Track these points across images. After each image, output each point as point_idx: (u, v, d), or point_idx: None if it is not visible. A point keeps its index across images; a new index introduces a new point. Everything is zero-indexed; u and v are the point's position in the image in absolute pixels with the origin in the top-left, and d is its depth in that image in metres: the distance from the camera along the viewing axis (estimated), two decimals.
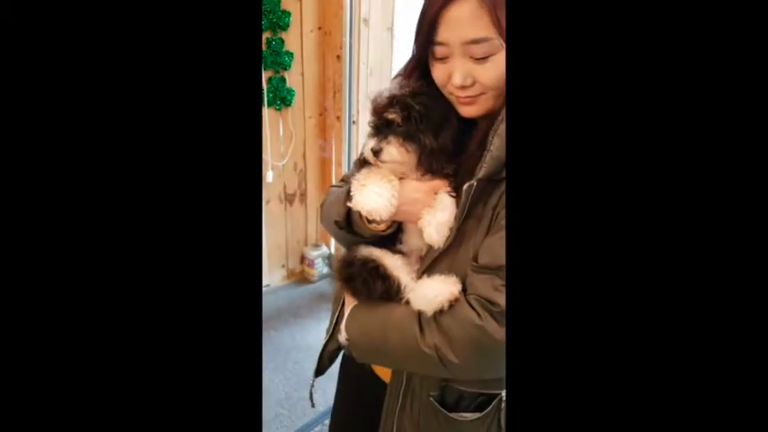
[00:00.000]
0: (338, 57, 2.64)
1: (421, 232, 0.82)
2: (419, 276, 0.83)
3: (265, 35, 2.49)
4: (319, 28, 2.67)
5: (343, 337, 0.90)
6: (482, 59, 0.72)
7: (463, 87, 0.75)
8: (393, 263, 0.84)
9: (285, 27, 2.51)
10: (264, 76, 2.54)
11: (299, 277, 3.16)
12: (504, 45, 0.71)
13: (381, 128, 0.81)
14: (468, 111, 0.79)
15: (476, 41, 0.70)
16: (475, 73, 0.73)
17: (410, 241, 0.87)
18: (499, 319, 0.70)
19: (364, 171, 0.84)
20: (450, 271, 0.79)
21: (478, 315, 0.72)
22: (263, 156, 2.68)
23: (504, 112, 0.72)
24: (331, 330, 1.00)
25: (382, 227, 0.84)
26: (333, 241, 3.10)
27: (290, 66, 2.60)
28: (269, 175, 2.75)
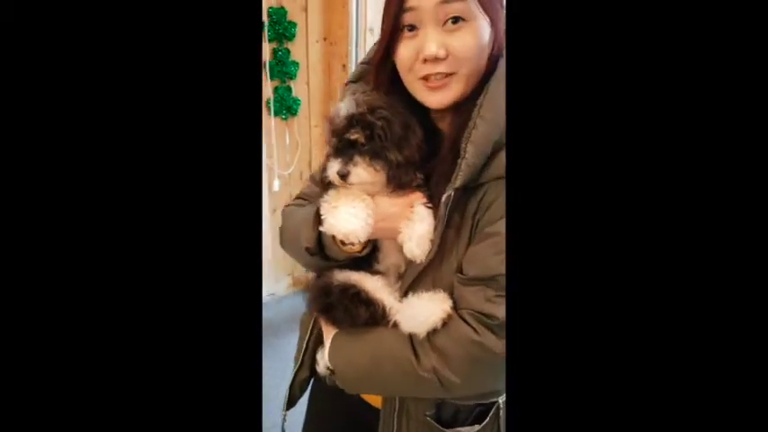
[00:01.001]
0: (344, 66, 2.67)
1: (398, 248, 0.78)
2: (402, 295, 0.79)
3: (271, 45, 2.51)
4: (324, 38, 2.69)
5: (322, 367, 0.87)
6: (454, 29, 0.69)
7: (436, 61, 0.70)
8: (374, 285, 0.80)
9: (291, 38, 2.54)
10: (270, 85, 2.56)
11: (305, 286, 3.15)
12: (480, 9, 0.69)
13: (344, 149, 0.76)
14: (437, 99, 0.74)
15: (448, 0, 0.67)
16: (448, 42, 0.69)
17: (387, 259, 0.83)
18: (497, 331, 0.68)
19: (333, 192, 0.79)
20: (435, 286, 0.76)
21: (475, 331, 0.69)
22: (270, 165, 2.70)
23: (476, 116, 0.69)
24: (301, 359, 0.96)
25: (358, 248, 0.79)
26: None
27: (295, 75, 2.62)
28: (275, 184, 2.76)
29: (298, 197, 0.96)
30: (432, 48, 0.69)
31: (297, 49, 2.61)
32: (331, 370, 0.84)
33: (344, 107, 0.77)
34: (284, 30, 2.50)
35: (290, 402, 0.99)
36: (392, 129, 0.74)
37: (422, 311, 0.73)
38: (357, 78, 0.88)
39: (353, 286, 0.79)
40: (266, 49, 2.51)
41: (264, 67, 2.51)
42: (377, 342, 0.77)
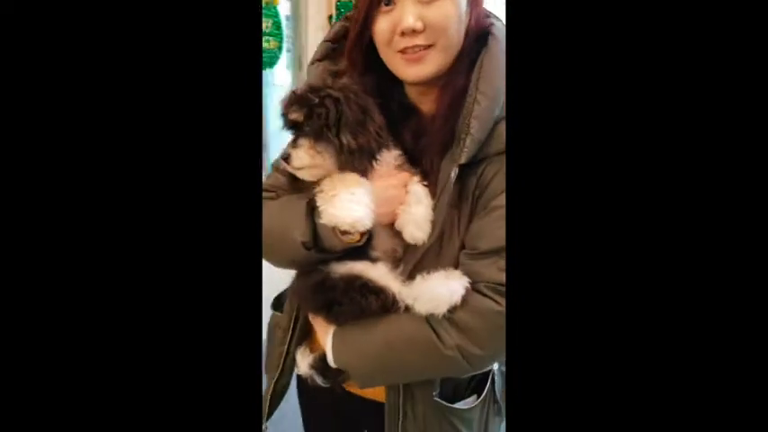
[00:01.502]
0: None
1: (392, 232, 0.77)
2: (407, 278, 0.76)
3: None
4: None
5: (305, 368, 0.85)
6: (431, 1, 0.68)
7: (413, 33, 0.69)
8: (378, 273, 0.76)
9: None
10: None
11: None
12: None
13: (290, 131, 0.74)
14: (414, 71, 0.73)
15: None
16: (425, 14, 0.69)
17: (382, 244, 0.79)
18: None
19: (327, 181, 0.74)
20: (437, 265, 0.73)
21: (496, 302, 0.68)
22: None
23: (474, 91, 0.69)
24: (281, 364, 0.91)
25: (357, 236, 0.74)
26: None
27: None
28: None
29: (265, 189, 0.88)
30: (409, 20, 0.69)
31: None
32: (314, 368, 0.83)
33: (295, 89, 0.75)
34: None
35: (270, 412, 0.95)
36: (341, 110, 0.71)
37: (441, 291, 0.70)
38: (322, 57, 0.85)
39: (359, 277, 0.75)
40: None
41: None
42: (390, 329, 0.74)
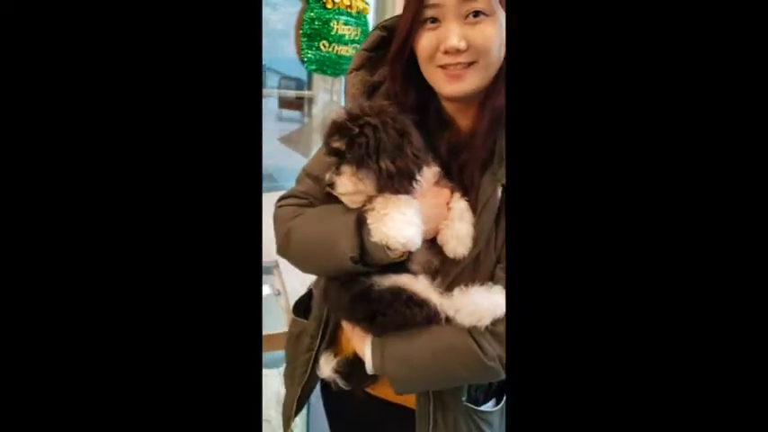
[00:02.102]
0: None
1: (428, 245, 0.80)
2: (445, 290, 0.80)
3: None
4: None
5: (328, 372, 0.87)
6: (475, 22, 0.72)
7: (457, 53, 0.73)
8: (421, 286, 0.80)
9: None
10: None
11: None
12: (500, 3, 0.71)
13: (333, 157, 0.78)
14: (454, 88, 0.76)
15: None
16: (469, 34, 0.72)
17: (419, 257, 0.83)
18: None
19: (381, 200, 0.76)
20: (474, 279, 0.78)
21: None
22: None
23: None
24: (309, 370, 0.94)
25: (401, 252, 0.78)
26: None
27: None
28: None
29: (292, 195, 0.90)
30: (454, 40, 0.72)
31: None
32: (338, 372, 0.87)
33: (331, 115, 0.79)
34: None
35: (294, 416, 0.99)
36: (379, 137, 0.73)
37: (485, 304, 0.74)
38: (359, 67, 0.88)
39: (404, 290, 0.79)
40: None
41: None
42: (434, 340, 0.78)
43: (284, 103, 2.88)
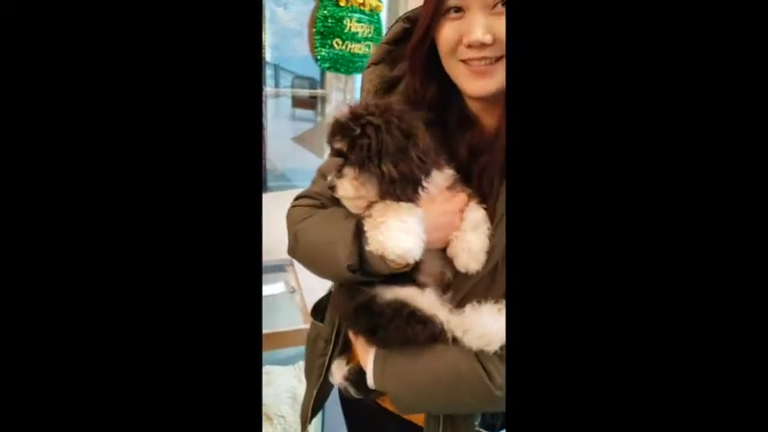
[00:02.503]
0: None
1: (440, 254, 0.72)
2: (456, 306, 0.71)
3: None
4: None
5: (339, 378, 0.83)
6: (504, 12, 0.63)
7: (481, 47, 0.64)
8: (427, 301, 0.72)
9: None
10: None
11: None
12: None
13: (336, 158, 0.71)
14: (479, 86, 0.68)
15: None
16: (495, 26, 0.64)
17: (430, 267, 0.74)
18: None
19: (380, 206, 0.69)
20: (489, 295, 0.69)
21: None
22: None
23: None
24: (323, 375, 0.90)
25: (404, 263, 0.70)
26: None
27: None
28: None
29: (306, 195, 0.86)
30: (478, 33, 0.64)
31: None
32: (348, 380, 0.82)
33: (338, 111, 0.71)
34: None
35: (310, 419, 0.95)
36: (381, 138, 0.66)
37: (494, 327, 0.66)
38: (378, 61, 0.81)
39: (407, 305, 0.71)
40: None
41: None
42: (437, 361, 0.70)
43: (297, 102, 2.89)
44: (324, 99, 2.63)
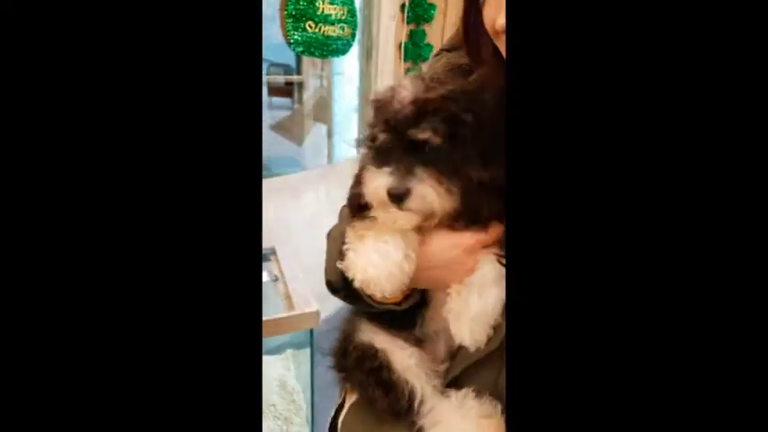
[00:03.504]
0: None
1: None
2: (446, 385, 0.55)
3: (409, 27, 2.52)
4: None
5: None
6: None
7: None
8: (404, 362, 0.54)
9: (429, 19, 2.52)
10: (404, 67, 2.58)
11: None
12: None
13: (400, 154, 0.49)
14: None
15: None
16: None
17: (437, 321, 0.56)
18: None
19: (368, 219, 0.53)
20: (496, 387, 0.52)
21: None
22: None
23: None
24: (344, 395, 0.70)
25: (396, 298, 0.54)
26: None
27: (428, 57, 2.62)
28: None
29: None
30: (501, 19, 0.49)
31: (434, 32, 2.59)
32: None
33: (406, 87, 0.51)
34: (423, 11, 2.49)
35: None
36: (480, 125, 0.49)
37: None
38: (450, 48, 0.64)
39: (375, 357, 0.55)
40: (403, 31, 2.52)
41: (399, 48, 2.53)
42: None
43: (273, 90, 2.85)
44: (301, 85, 2.59)
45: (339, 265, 0.53)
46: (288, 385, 1.76)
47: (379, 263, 0.50)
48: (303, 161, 2.63)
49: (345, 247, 0.53)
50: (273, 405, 1.66)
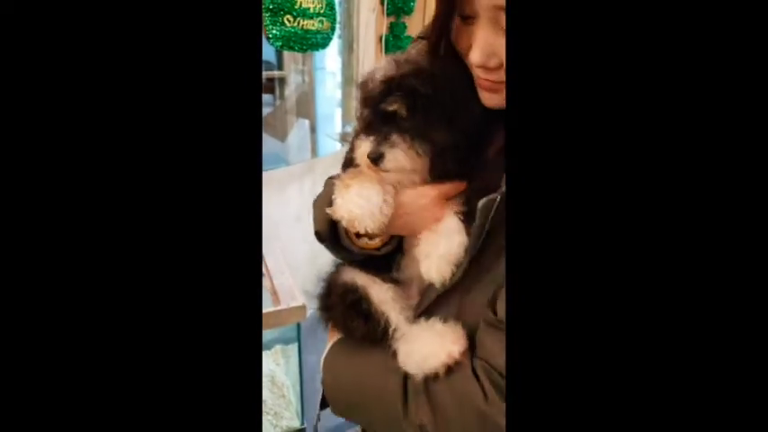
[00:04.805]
0: None
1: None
2: (416, 316, 0.63)
3: (389, 19, 2.51)
4: None
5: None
6: None
7: (485, 69, 0.55)
8: (381, 296, 0.64)
9: (409, 12, 2.52)
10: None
11: None
12: None
13: (378, 124, 0.60)
14: (490, 99, 0.58)
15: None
16: (501, 50, 0.52)
17: (411, 266, 0.65)
18: None
19: (352, 170, 0.63)
20: (459, 316, 0.60)
21: (484, 395, 0.53)
22: None
23: None
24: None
25: (375, 243, 0.64)
26: None
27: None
28: None
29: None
30: (476, 57, 0.54)
31: (414, 24, 2.59)
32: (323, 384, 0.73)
33: (381, 68, 0.60)
34: (403, 3, 2.48)
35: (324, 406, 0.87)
36: (440, 99, 0.57)
37: (422, 348, 0.58)
38: (426, 36, 0.71)
39: (355, 291, 0.64)
40: (384, 23, 2.52)
41: (380, 41, 2.53)
42: (366, 369, 0.63)
43: None
44: (282, 81, 2.58)
45: (328, 210, 0.62)
46: (277, 380, 1.77)
47: (363, 204, 0.60)
48: (287, 157, 2.62)
49: (333, 196, 0.63)
50: (264, 400, 1.67)
